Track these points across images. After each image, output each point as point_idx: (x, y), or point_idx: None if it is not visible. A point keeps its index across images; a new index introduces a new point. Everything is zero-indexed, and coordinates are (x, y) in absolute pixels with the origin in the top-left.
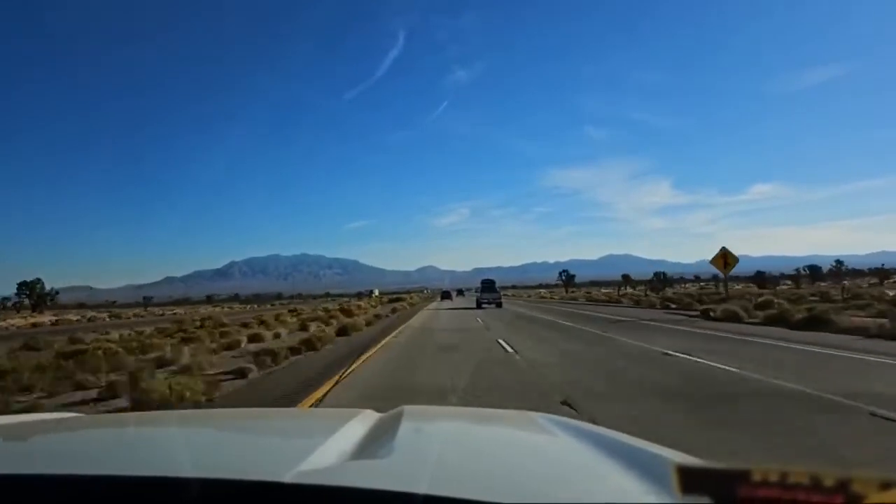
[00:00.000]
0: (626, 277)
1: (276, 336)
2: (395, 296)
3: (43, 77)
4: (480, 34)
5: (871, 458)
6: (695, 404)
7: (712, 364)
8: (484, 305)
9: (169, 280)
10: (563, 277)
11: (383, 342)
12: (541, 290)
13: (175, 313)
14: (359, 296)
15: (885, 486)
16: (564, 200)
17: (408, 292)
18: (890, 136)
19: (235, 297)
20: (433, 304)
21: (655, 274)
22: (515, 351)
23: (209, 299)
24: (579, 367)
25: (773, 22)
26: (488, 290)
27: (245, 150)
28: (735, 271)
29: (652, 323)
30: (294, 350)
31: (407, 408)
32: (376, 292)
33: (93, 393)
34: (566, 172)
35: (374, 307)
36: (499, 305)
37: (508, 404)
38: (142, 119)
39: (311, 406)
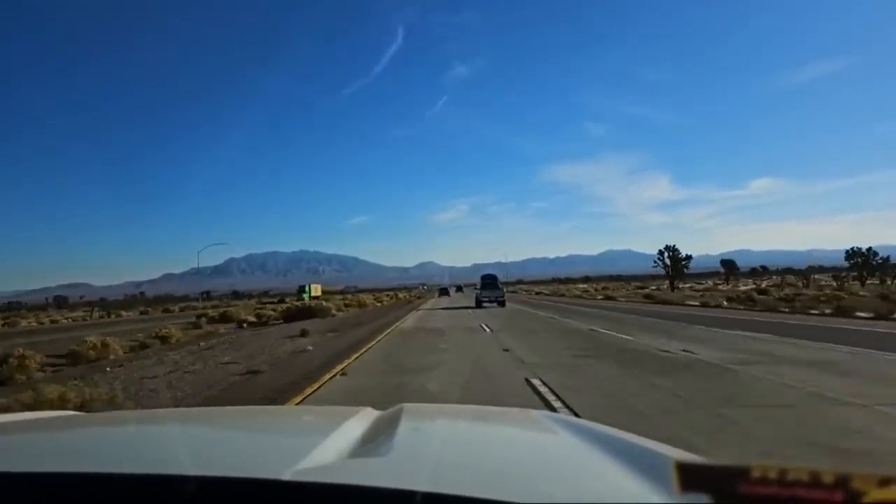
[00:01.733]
0: (733, 266)
1: None
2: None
3: (43, 75)
4: (480, 30)
5: None
6: None
7: None
8: (485, 305)
9: (168, 277)
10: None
11: None
12: (579, 287)
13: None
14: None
15: (885, 482)
16: (564, 196)
17: (404, 288)
18: (890, 130)
19: (235, 294)
20: (429, 303)
21: (859, 254)
22: None
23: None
24: None
25: (772, 18)
26: (489, 287)
27: (244, 146)
28: (740, 265)
29: None
30: None
31: (406, 405)
32: (311, 291)
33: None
34: (565, 168)
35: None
36: (501, 304)
37: None
38: (141, 116)
39: None
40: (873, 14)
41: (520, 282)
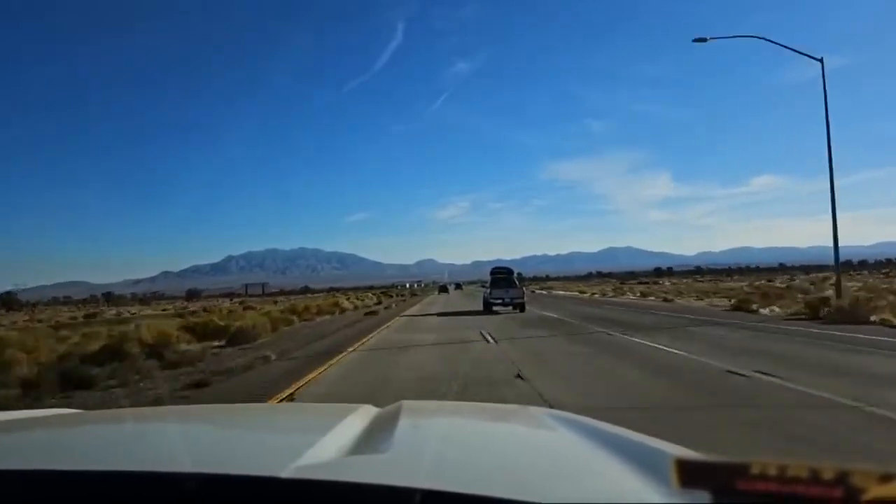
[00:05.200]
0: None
1: None
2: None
3: (38, 68)
4: (480, 25)
5: None
6: None
7: None
8: (496, 309)
9: (166, 275)
10: None
11: None
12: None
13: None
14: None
15: (885, 478)
16: (564, 193)
17: (393, 286)
18: (893, 127)
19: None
20: (416, 307)
21: None
22: None
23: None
24: None
25: (775, 13)
26: (502, 285)
27: (242, 142)
28: (741, 262)
29: None
30: None
31: (405, 402)
32: None
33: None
34: (566, 165)
35: None
36: (521, 308)
37: None
38: (138, 111)
39: None
40: (878, 11)
41: (546, 278)
